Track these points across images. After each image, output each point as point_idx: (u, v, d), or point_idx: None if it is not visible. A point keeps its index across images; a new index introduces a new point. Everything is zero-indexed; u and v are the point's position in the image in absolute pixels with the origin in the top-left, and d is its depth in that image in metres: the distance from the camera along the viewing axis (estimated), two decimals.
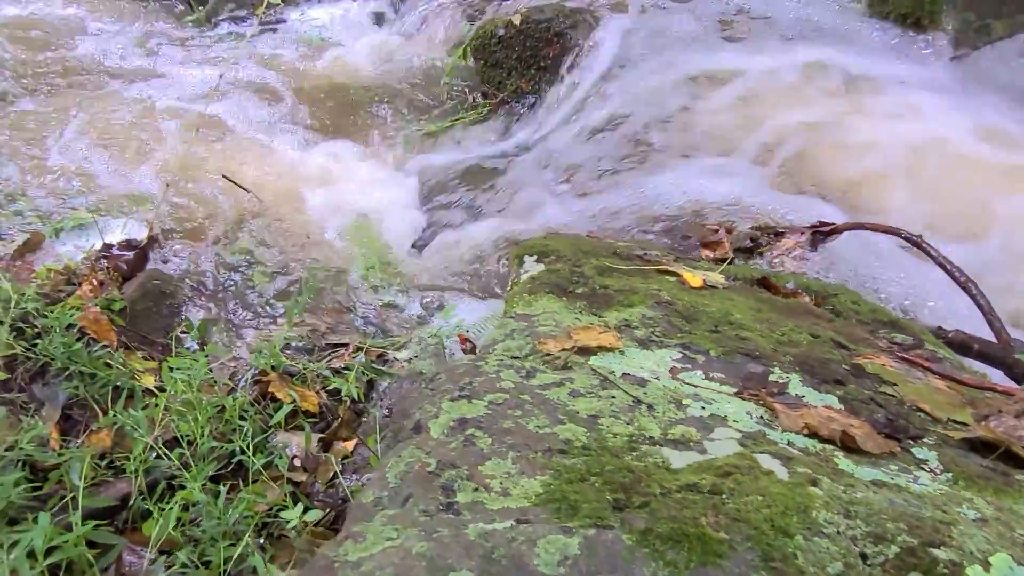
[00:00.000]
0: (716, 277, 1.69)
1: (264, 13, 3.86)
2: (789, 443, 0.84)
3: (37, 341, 1.93)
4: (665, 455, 0.78)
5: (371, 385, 2.21)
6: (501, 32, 3.10)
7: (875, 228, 1.96)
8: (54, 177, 2.88)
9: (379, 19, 3.89)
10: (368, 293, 2.55)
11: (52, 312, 1.99)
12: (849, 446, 0.85)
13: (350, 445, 1.95)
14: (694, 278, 1.63)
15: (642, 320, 1.33)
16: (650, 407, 0.89)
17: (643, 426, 0.84)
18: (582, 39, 3.01)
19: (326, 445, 1.99)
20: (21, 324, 1.97)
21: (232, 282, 2.54)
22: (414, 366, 2.13)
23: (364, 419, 2.12)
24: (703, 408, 0.90)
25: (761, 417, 0.92)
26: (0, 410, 1.62)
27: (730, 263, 2.21)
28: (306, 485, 1.86)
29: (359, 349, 2.29)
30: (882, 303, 1.90)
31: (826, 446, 0.85)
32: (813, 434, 0.87)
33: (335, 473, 1.84)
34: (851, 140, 2.50)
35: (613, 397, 0.92)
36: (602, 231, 2.49)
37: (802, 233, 2.17)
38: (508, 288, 1.65)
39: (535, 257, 1.72)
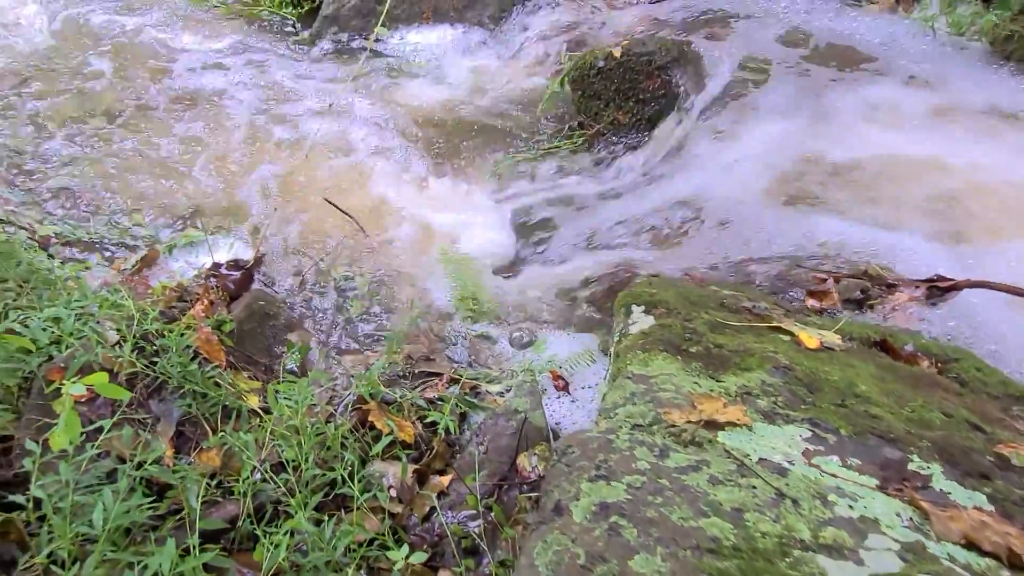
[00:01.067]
0: (832, 337, 1.63)
1: (365, 35, 3.97)
2: (951, 557, 0.80)
3: (156, 359, 2.03)
4: (821, 565, 0.75)
5: (463, 417, 2.23)
6: (601, 63, 3.09)
7: (1003, 289, 1.86)
8: (166, 194, 3.03)
9: (476, 45, 3.94)
10: (461, 322, 2.58)
11: (170, 332, 2.09)
12: (1016, 564, 0.80)
13: (446, 480, 1.97)
14: (810, 338, 1.59)
15: (762, 387, 1.30)
16: (795, 502, 0.87)
17: (791, 525, 0.82)
18: (684, 74, 2.98)
19: (420, 477, 2.02)
20: (142, 342, 2.07)
21: (330, 305, 2.61)
22: (510, 403, 2.14)
23: (457, 451, 2.15)
24: (850, 507, 0.87)
25: (912, 519, 0.88)
26: (126, 430, 1.70)
27: (833, 311, 2.14)
28: (402, 517, 1.89)
29: (454, 380, 2.32)
30: (1005, 371, 1.80)
31: (991, 563, 0.81)
32: (973, 545, 0.83)
33: (432, 508, 1.87)
34: (984, 182, 2.39)
35: (754, 487, 0.90)
36: (700, 272, 2.45)
37: (917, 287, 2.08)
38: (616, 340, 1.64)
39: (643, 308, 1.70)
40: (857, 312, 2.13)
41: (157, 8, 4.50)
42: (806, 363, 1.43)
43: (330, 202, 2.92)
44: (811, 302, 2.16)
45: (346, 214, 2.91)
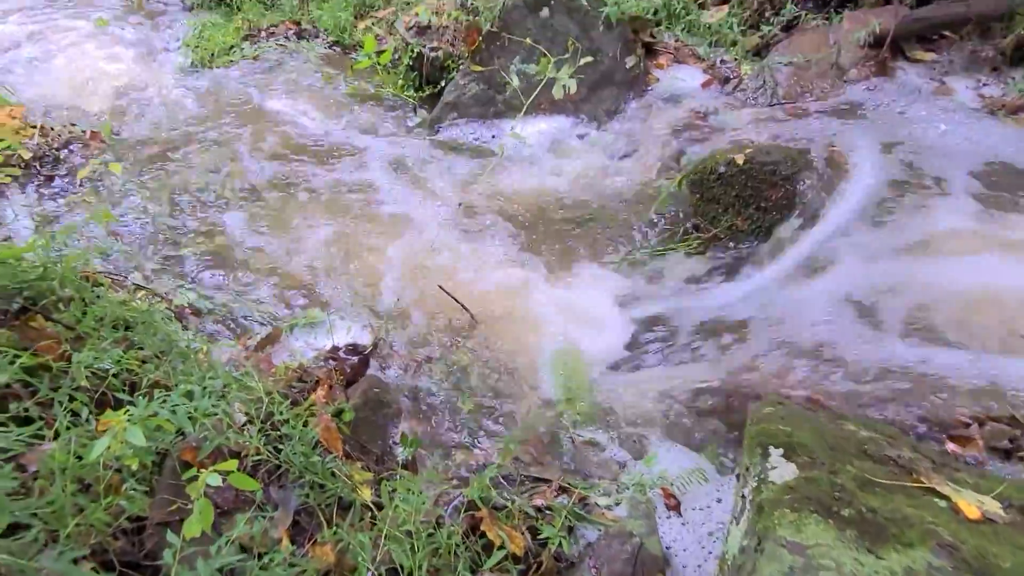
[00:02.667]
0: (993, 506, 1.53)
1: (483, 123, 4.11)
2: None
3: (279, 446, 2.08)
4: None
5: (570, 530, 2.18)
6: (722, 169, 3.09)
7: None
8: (290, 271, 3.16)
9: (591, 138, 4.01)
10: (570, 426, 2.56)
11: (295, 418, 2.14)
12: None
13: None
14: (969, 507, 1.48)
15: (928, 572, 1.22)
16: None
17: None
18: (809, 186, 2.94)
19: None
20: (266, 425, 2.14)
21: (442, 396, 2.63)
22: (623, 524, 2.09)
23: (564, 568, 2.09)
24: None
25: None
26: (258, 524, 1.74)
27: (977, 459, 2.01)
28: None
29: (563, 489, 2.28)
30: None
31: None
32: None
33: None
34: None
35: None
36: (823, 397, 2.36)
37: None
38: (754, 486, 1.58)
39: (781, 451, 1.64)
40: (1004, 462, 1.99)
41: (288, 87, 4.79)
42: (971, 541, 1.33)
43: (444, 290, 2.98)
44: (952, 447, 2.03)
45: (459, 303, 2.96)
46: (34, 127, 3.90)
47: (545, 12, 4.11)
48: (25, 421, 1.88)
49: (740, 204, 3.08)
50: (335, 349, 2.68)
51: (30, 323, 2.38)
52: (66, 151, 4.01)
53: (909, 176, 2.94)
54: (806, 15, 4.10)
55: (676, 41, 4.42)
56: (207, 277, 3.12)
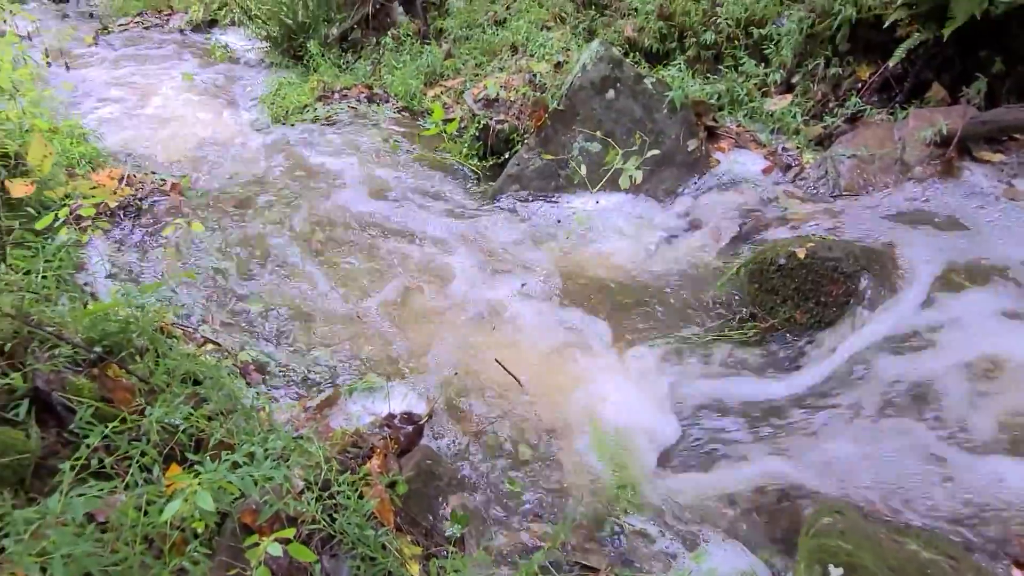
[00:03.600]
0: None
1: (544, 197, 4.21)
2: None
3: (334, 515, 2.12)
4: None
5: None
6: (782, 261, 3.10)
7: None
8: (351, 334, 3.25)
9: (649, 217, 4.07)
10: (618, 513, 2.54)
11: (349, 489, 2.18)
12: None
13: None
14: None
15: None
16: None
17: None
18: (872, 283, 2.93)
19: None
20: (323, 493, 2.18)
21: (493, 471, 2.65)
22: None
23: None
24: None
25: None
26: None
27: None
28: None
29: None
30: None
31: None
32: None
33: None
34: None
35: None
36: (885, 506, 2.31)
37: None
38: None
39: (840, 571, 1.61)
40: None
41: (357, 148, 4.99)
42: None
43: (500, 364, 3.03)
44: (1019, 574, 1.97)
45: (513, 377, 3.00)
46: (122, 177, 4.13)
47: (611, 94, 4.23)
48: (100, 473, 1.96)
49: (799, 297, 3.07)
50: (391, 417, 2.74)
51: (107, 372, 2.49)
52: (148, 201, 4.23)
53: (974, 280, 2.91)
54: (871, 109, 4.13)
55: (738, 126, 4.49)
56: (271, 333, 3.23)
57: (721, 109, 4.59)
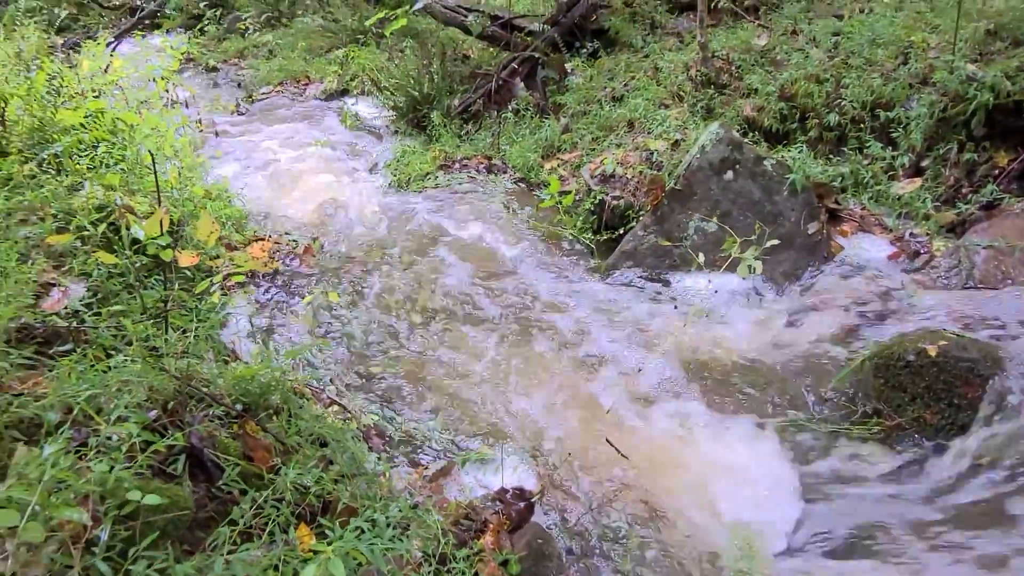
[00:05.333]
0: None
1: (658, 274, 4.23)
2: None
3: None
4: None
5: None
6: (911, 357, 2.98)
7: None
8: (467, 403, 3.35)
9: (766, 299, 4.01)
10: None
11: (464, 565, 2.24)
12: None
13: None
14: None
15: None
16: None
17: None
18: (1014, 388, 2.77)
19: None
20: (439, 565, 2.24)
21: (602, 557, 2.64)
22: None
23: None
24: None
25: None
26: None
27: None
28: None
29: None
30: None
31: None
32: None
33: None
34: None
35: None
36: None
37: None
38: None
39: None
40: None
41: (476, 217, 5.20)
42: None
43: (610, 443, 3.03)
44: None
45: (625, 457, 2.99)
46: (263, 239, 4.48)
47: (729, 175, 4.25)
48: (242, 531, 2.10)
49: (930, 396, 2.94)
50: (503, 491, 2.78)
51: (246, 428, 2.68)
52: (282, 259, 4.56)
53: None
54: (1010, 198, 3.95)
55: (862, 209, 4.39)
56: (390, 397, 3.37)
57: (844, 191, 4.50)
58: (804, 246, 4.17)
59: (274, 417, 2.77)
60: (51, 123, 4.05)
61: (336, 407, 3.20)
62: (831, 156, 4.79)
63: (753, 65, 5.51)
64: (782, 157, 4.46)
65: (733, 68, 5.54)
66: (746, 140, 4.50)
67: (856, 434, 3.08)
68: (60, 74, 4.60)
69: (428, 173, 6.08)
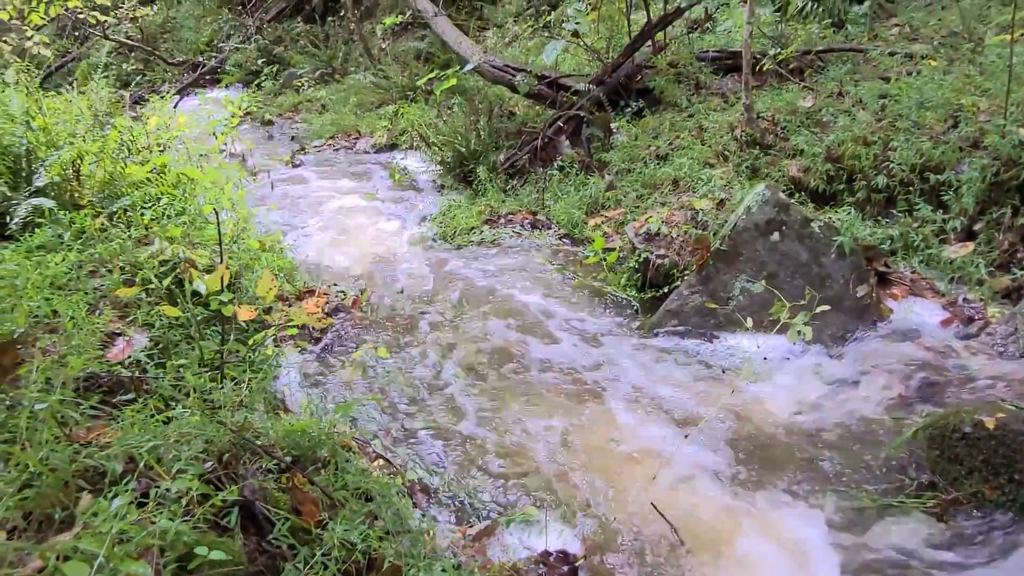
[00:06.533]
0: None
1: (703, 334, 4.21)
2: None
3: None
4: None
5: None
6: (967, 429, 2.90)
7: None
8: (512, 461, 3.35)
9: (813, 362, 3.95)
10: None
11: None
12: None
13: None
14: None
15: None
16: None
17: None
18: None
19: None
20: None
21: None
22: None
23: None
24: None
25: None
26: None
27: None
28: None
29: None
30: None
31: None
32: None
33: None
34: None
35: None
36: None
37: None
38: None
39: None
40: None
41: (520, 272, 5.26)
42: None
43: (656, 508, 2.99)
44: None
45: (669, 524, 2.95)
46: (313, 291, 4.60)
47: (775, 236, 4.25)
48: None
49: (988, 471, 2.85)
50: (546, 554, 2.77)
51: (295, 481, 2.73)
52: (330, 307, 4.66)
53: None
54: None
55: (913, 273, 4.33)
56: (436, 454, 3.39)
57: (894, 254, 4.46)
58: (853, 309, 4.12)
59: (322, 470, 2.81)
60: (120, 176, 4.27)
61: (381, 461, 3.23)
62: (880, 218, 4.75)
63: (799, 126, 5.54)
64: (829, 219, 4.44)
65: (778, 129, 5.58)
66: (792, 201, 4.51)
67: (911, 507, 2.98)
68: (130, 130, 4.86)
69: (474, 227, 6.20)
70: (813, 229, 4.24)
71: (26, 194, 3.63)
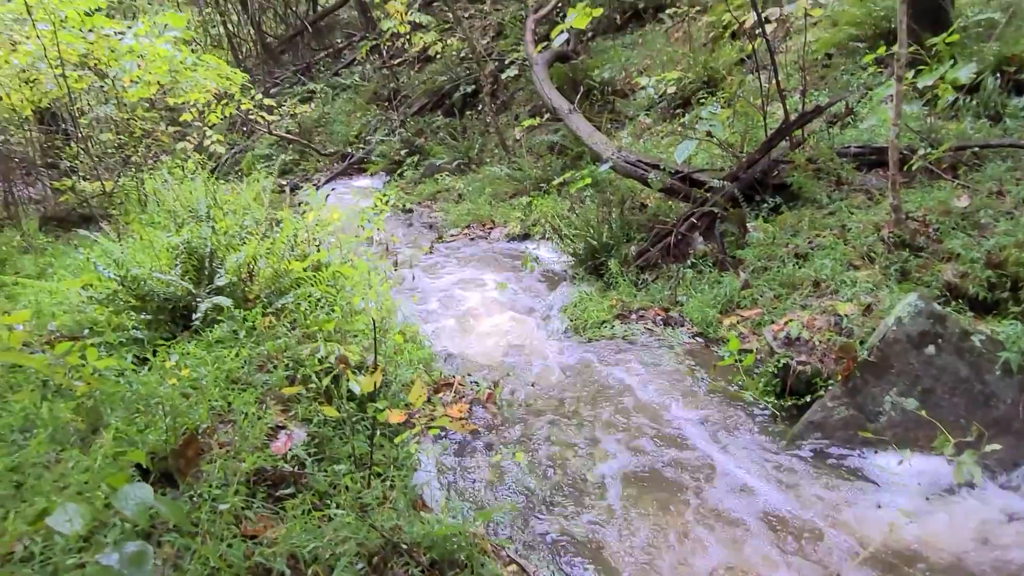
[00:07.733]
0: None
1: (848, 449, 3.98)
2: None
3: None
4: None
5: None
6: None
7: None
8: (639, 573, 3.26)
9: (980, 489, 3.63)
10: None
11: None
12: None
13: None
14: None
15: None
16: None
17: None
18: None
19: None
20: None
21: None
22: None
23: None
24: None
25: None
26: None
27: None
28: None
29: None
30: None
31: None
32: None
33: None
34: None
35: None
36: None
37: None
38: None
39: None
40: None
41: (652, 372, 5.22)
42: None
43: None
44: None
45: None
46: (450, 382, 4.78)
47: (931, 349, 4.01)
48: None
49: None
50: None
51: None
52: (466, 401, 4.81)
53: None
54: None
55: None
56: (568, 560, 3.37)
57: None
58: (1022, 432, 3.77)
59: (459, 572, 2.87)
60: (285, 273, 4.69)
61: (515, 567, 3.25)
62: None
63: (953, 228, 5.26)
64: (992, 331, 4.14)
65: (930, 230, 5.32)
66: (949, 310, 4.25)
67: None
68: (293, 227, 5.35)
69: (605, 321, 6.23)
70: (974, 343, 3.97)
71: (207, 291, 4.07)
